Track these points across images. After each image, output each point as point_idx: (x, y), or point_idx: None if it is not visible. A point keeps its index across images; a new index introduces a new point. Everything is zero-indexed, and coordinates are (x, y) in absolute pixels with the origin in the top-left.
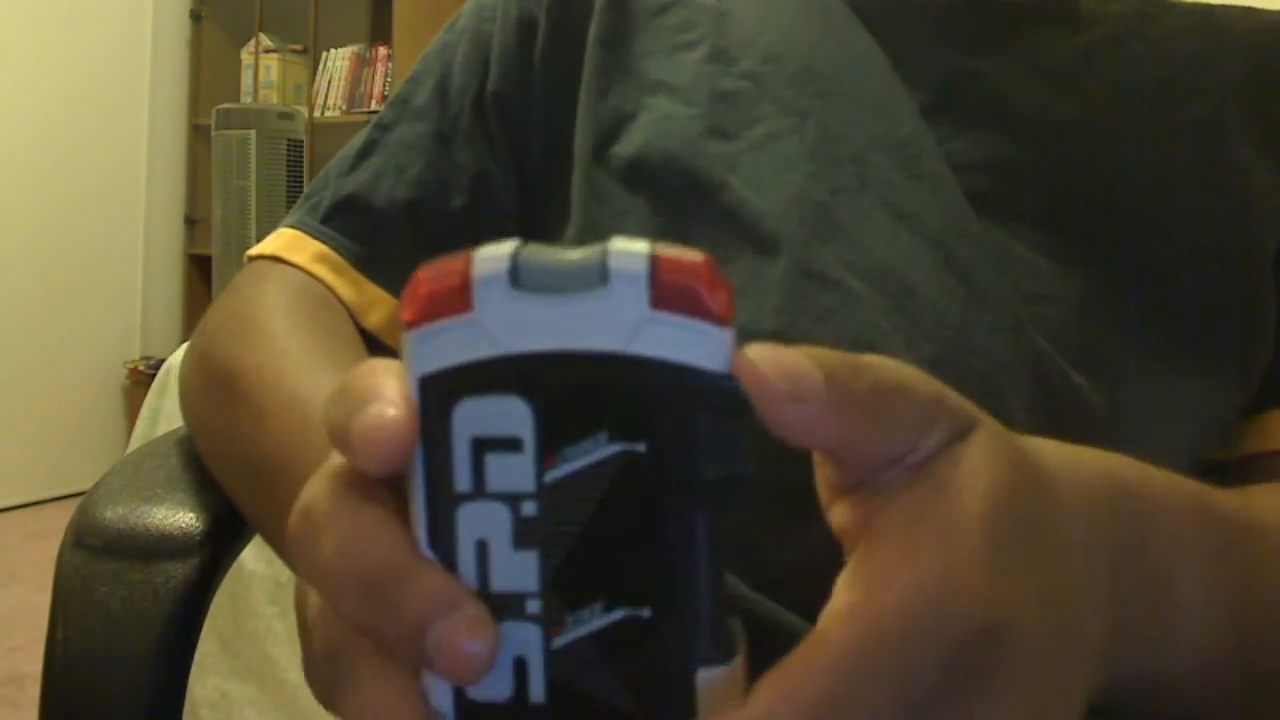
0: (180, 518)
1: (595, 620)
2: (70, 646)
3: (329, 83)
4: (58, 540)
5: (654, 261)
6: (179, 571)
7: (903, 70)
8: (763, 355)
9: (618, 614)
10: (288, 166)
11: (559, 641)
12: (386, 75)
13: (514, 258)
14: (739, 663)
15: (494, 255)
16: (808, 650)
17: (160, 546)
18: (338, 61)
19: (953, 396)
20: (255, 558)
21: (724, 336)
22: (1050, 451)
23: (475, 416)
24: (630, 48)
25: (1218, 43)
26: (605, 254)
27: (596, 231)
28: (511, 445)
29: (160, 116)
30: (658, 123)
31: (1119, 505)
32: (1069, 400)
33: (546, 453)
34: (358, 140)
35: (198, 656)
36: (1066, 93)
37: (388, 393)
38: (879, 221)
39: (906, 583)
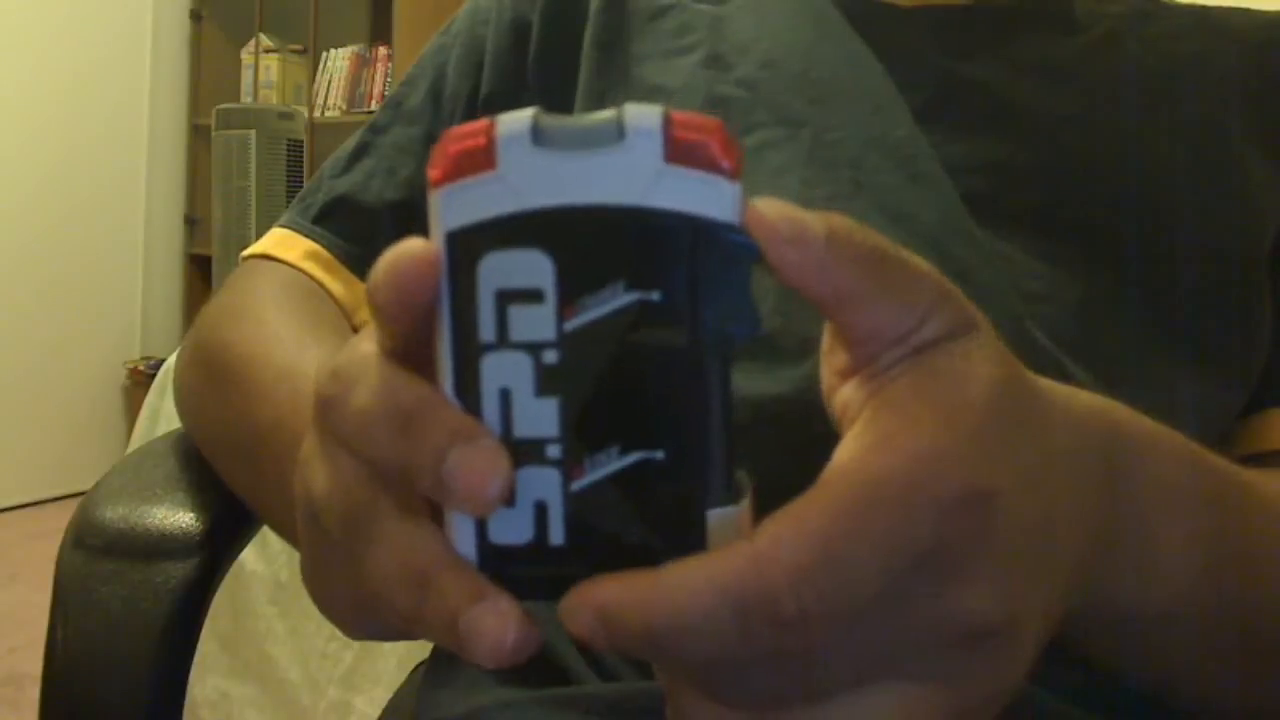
0: (180, 518)
1: (612, 463)
2: (70, 646)
3: (329, 83)
4: (58, 540)
5: (668, 119)
6: (179, 571)
7: (896, 76)
8: (769, 204)
9: (634, 457)
10: (288, 166)
11: (578, 485)
12: (386, 75)
13: (535, 118)
14: (746, 506)
15: (517, 117)
16: (812, 494)
17: (160, 546)
18: (338, 61)
19: (957, 292)
20: (255, 558)
21: (734, 190)
22: (1045, 381)
23: (499, 269)
24: (627, 51)
25: (1216, 42)
26: (622, 113)
27: None
28: (533, 296)
29: (160, 116)
30: None
31: (1107, 437)
32: None
33: (566, 303)
34: (351, 142)
35: (198, 656)
36: (1064, 91)
37: (414, 245)
38: (875, 224)
39: (908, 445)
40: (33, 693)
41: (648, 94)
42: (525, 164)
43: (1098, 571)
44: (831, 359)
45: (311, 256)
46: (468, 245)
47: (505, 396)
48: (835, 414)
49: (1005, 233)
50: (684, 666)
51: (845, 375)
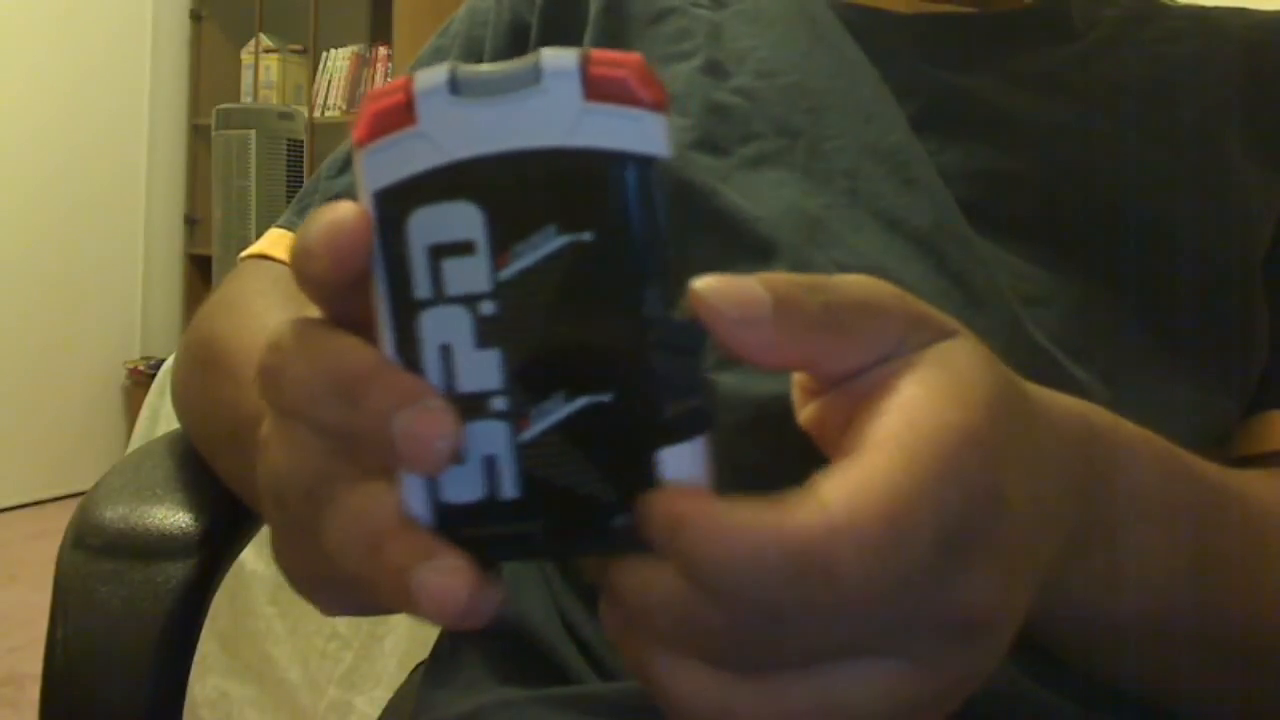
0: (180, 518)
1: (559, 410)
2: (70, 646)
3: (329, 83)
4: (58, 540)
5: (584, 58)
6: (179, 571)
7: (891, 84)
8: (709, 284)
9: (581, 402)
10: (288, 166)
11: (526, 435)
12: (386, 75)
13: (451, 70)
14: (704, 441)
15: (434, 70)
16: (874, 461)
17: (160, 546)
18: (338, 61)
19: (933, 311)
20: (255, 558)
21: (658, 121)
22: (1030, 384)
23: (429, 225)
24: None
25: (1213, 44)
26: (538, 56)
27: None
28: (465, 249)
29: (160, 116)
30: None
31: (1085, 441)
32: (1070, 394)
33: (499, 252)
34: (348, 144)
35: (198, 656)
36: (1059, 99)
37: (344, 208)
38: (871, 230)
39: (934, 427)
40: (33, 693)
41: None
42: (445, 116)
43: (1067, 576)
44: (800, 378)
45: None
46: (395, 203)
47: (446, 352)
48: (804, 423)
49: (1001, 239)
50: (703, 619)
51: (814, 393)
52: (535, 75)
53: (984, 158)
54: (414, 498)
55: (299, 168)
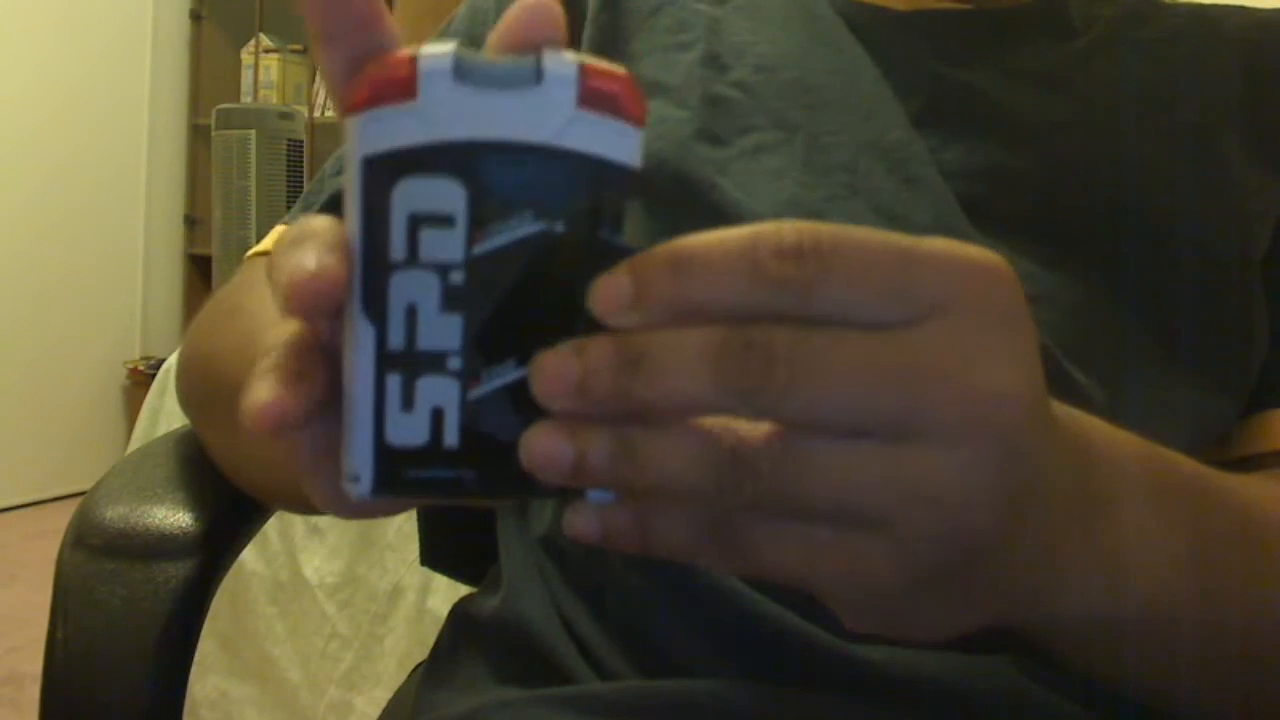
0: (180, 518)
1: (508, 375)
2: (70, 646)
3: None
4: (58, 540)
5: (583, 69)
6: (179, 571)
7: (891, 81)
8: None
9: (527, 370)
10: (288, 166)
11: (474, 394)
12: None
13: (457, 54)
14: None
15: (439, 51)
16: None
17: (160, 546)
18: None
19: None
20: (255, 558)
21: (638, 136)
22: None
23: (413, 194)
24: (626, 49)
25: (1212, 43)
26: (541, 57)
27: None
28: (444, 221)
29: (160, 116)
30: (652, 125)
31: (1080, 432)
32: (1068, 396)
33: (475, 228)
34: None
35: (198, 656)
36: (1059, 96)
37: (322, 265)
38: (871, 225)
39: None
40: (33, 693)
41: (647, 90)
42: (445, 97)
43: (1065, 562)
44: None
45: None
46: (384, 170)
47: (411, 311)
48: None
49: (1000, 237)
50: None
51: None
52: (536, 76)
53: (984, 155)
54: (359, 438)
55: (299, 168)
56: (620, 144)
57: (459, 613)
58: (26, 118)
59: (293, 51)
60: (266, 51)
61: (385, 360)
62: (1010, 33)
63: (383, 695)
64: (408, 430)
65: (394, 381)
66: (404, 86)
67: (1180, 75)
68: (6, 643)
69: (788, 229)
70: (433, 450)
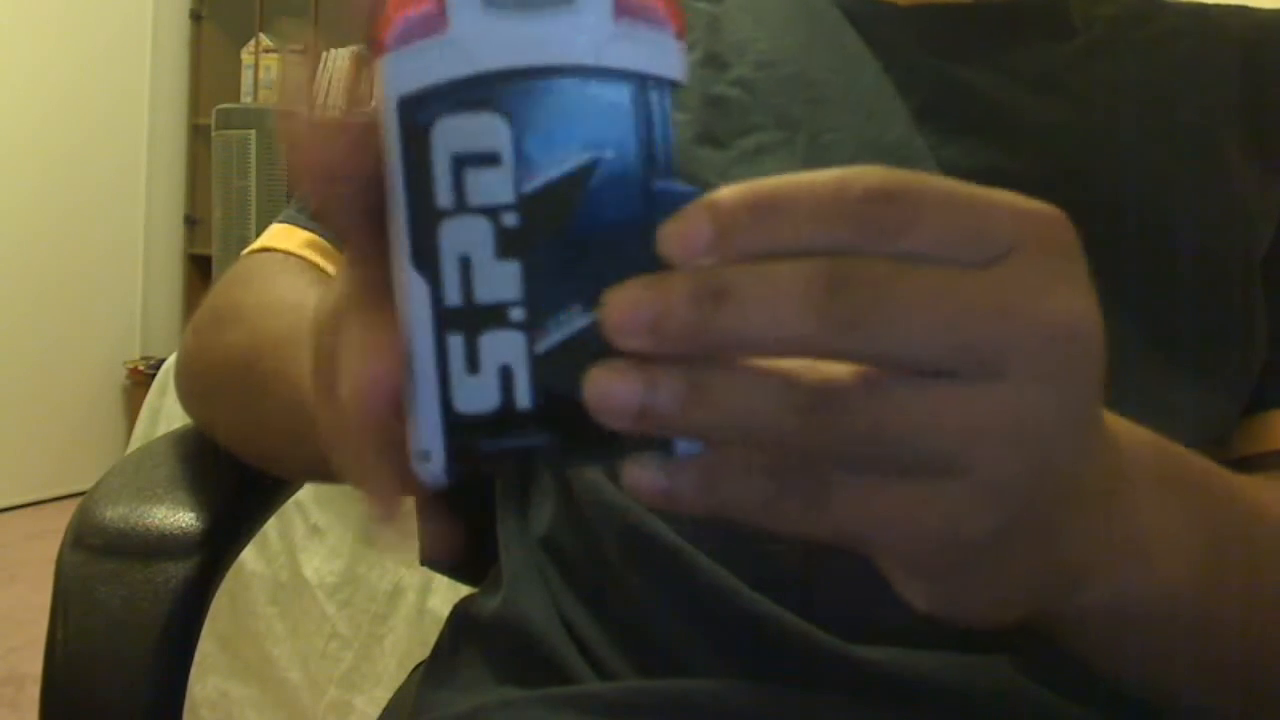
0: (180, 518)
1: (576, 322)
2: (70, 646)
3: (329, 83)
4: (58, 540)
5: None
6: (179, 571)
7: (892, 78)
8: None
9: (596, 315)
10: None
11: (542, 346)
12: None
13: None
14: None
15: None
16: None
17: (160, 546)
18: (338, 61)
19: None
20: (255, 558)
21: (678, 45)
22: None
23: (454, 134)
24: None
25: (1212, 43)
26: None
27: None
28: (490, 160)
29: (160, 116)
30: None
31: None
32: None
33: (523, 165)
34: None
35: (198, 656)
36: (1059, 97)
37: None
38: None
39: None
40: (33, 693)
41: None
42: (477, 26)
43: (1089, 547)
44: None
45: (311, 245)
46: (421, 110)
47: (465, 262)
48: None
49: None
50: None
51: None
52: None
53: (983, 154)
54: (426, 409)
55: None
56: (662, 56)
57: (459, 613)
58: (26, 117)
59: (293, 52)
60: (266, 51)
61: (444, 318)
62: (1010, 30)
63: (383, 695)
64: (477, 395)
65: (455, 342)
66: (433, 19)
67: (1180, 75)
68: (6, 643)
69: (872, 173)
70: (505, 415)
